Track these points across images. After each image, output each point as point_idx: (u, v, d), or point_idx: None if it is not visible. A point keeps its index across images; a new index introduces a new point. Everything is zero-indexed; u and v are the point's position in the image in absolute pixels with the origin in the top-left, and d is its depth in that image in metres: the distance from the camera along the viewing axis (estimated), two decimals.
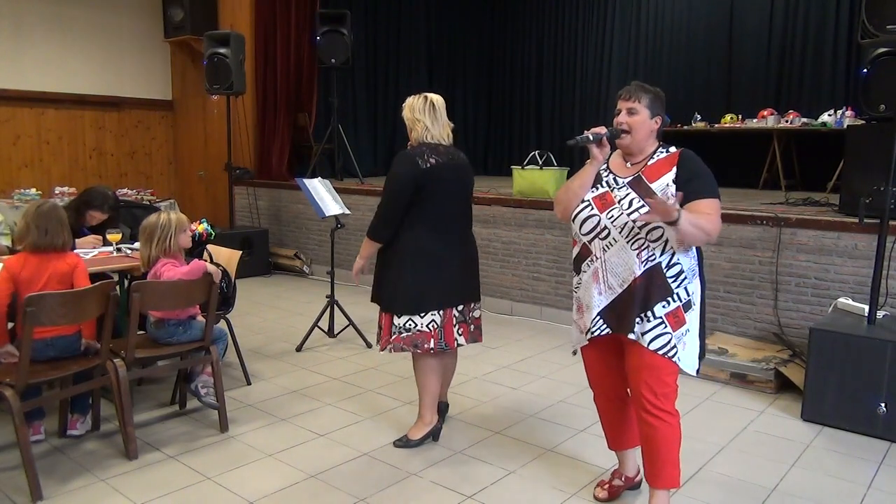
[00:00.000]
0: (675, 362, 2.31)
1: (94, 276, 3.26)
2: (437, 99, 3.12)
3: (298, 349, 4.55)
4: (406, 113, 3.10)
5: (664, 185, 2.30)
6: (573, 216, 2.44)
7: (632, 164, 2.42)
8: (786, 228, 4.17)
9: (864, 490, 2.81)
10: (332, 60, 6.82)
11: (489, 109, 10.15)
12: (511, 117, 9.93)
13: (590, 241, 2.39)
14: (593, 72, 8.99)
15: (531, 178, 5.53)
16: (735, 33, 7.65)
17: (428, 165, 2.94)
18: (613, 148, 2.47)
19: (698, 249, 2.40)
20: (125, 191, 6.96)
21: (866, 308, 3.54)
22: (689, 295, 2.34)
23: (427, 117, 3.07)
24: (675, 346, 2.31)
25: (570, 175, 5.90)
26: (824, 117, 6.32)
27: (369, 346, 4.64)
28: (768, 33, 7.39)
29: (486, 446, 3.17)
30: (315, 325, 4.70)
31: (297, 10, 7.44)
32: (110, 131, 7.78)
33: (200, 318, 3.29)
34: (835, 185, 5.57)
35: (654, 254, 2.30)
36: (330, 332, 4.84)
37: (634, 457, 2.70)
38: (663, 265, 2.31)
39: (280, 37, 7.50)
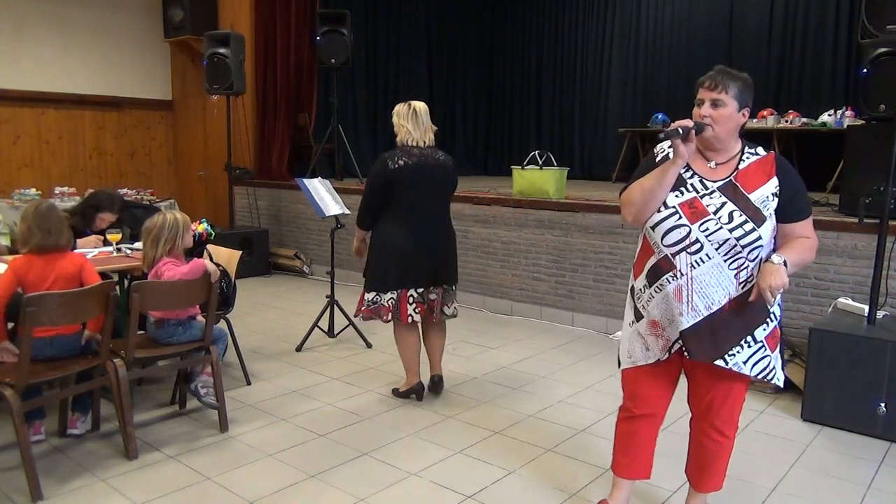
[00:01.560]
0: (774, 384, 2.20)
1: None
2: (419, 106, 3.53)
3: (298, 349, 4.55)
4: (394, 119, 3.54)
5: (764, 197, 2.05)
6: (653, 224, 2.12)
7: (718, 165, 2.13)
8: None
9: (864, 490, 2.81)
10: (332, 60, 6.82)
11: (489, 109, 10.16)
12: (511, 117, 9.94)
13: (674, 255, 2.09)
14: (593, 72, 8.99)
15: (531, 178, 5.53)
16: (735, 33, 7.66)
17: (396, 166, 3.42)
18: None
19: None
20: (125, 191, 6.96)
21: (866, 308, 3.54)
22: (780, 311, 2.19)
23: (409, 122, 3.49)
24: (774, 368, 2.16)
25: (571, 176, 5.96)
26: (824, 117, 6.33)
27: (369, 346, 4.64)
28: (768, 33, 7.40)
29: (486, 446, 3.17)
30: (315, 325, 4.70)
31: (297, 10, 7.44)
32: (110, 131, 7.78)
33: (200, 318, 3.29)
34: (835, 185, 5.58)
35: (752, 274, 2.07)
36: (330, 332, 4.84)
37: (632, 490, 2.51)
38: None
39: (280, 37, 7.50)
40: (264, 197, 7.50)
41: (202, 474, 2.84)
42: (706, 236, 2.04)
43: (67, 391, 3.05)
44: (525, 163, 5.65)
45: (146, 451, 3.02)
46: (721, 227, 2.03)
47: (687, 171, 2.13)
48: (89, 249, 3.77)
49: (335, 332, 4.84)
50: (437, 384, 3.74)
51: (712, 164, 2.13)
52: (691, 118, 2.09)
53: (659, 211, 2.10)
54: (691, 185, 2.11)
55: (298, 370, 4.17)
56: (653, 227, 2.13)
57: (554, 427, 3.39)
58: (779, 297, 2.09)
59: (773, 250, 2.10)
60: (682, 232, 2.07)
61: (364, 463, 2.98)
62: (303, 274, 7.07)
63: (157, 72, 8.13)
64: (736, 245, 2.02)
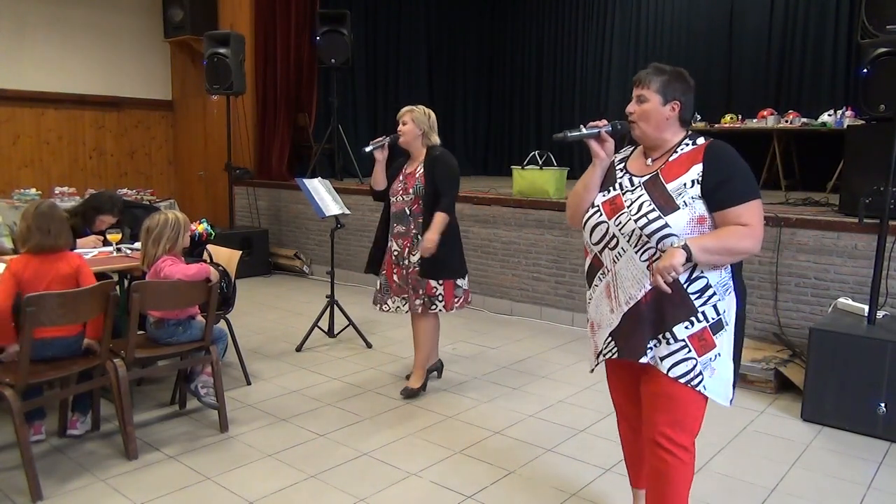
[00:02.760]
0: (699, 392, 1.98)
1: (94, 277, 3.27)
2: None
3: (298, 349, 4.55)
4: (422, 117, 3.66)
5: (681, 185, 1.97)
6: (583, 223, 2.15)
7: (653, 161, 2.09)
8: (786, 228, 4.17)
9: (864, 490, 2.81)
10: (332, 60, 6.82)
11: (489, 109, 10.15)
12: (511, 117, 9.94)
13: (600, 252, 2.09)
14: (593, 72, 8.99)
15: (531, 178, 5.53)
16: (735, 33, 7.65)
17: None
18: (620, 143, 2.21)
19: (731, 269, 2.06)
20: (125, 191, 6.95)
21: (866, 308, 3.54)
22: (718, 314, 2.00)
23: (434, 125, 3.72)
24: (700, 374, 1.98)
25: (571, 176, 5.95)
26: (824, 117, 6.32)
27: (369, 346, 4.64)
28: (768, 33, 7.39)
29: (485, 446, 3.17)
30: (315, 325, 4.70)
31: (297, 10, 7.44)
32: (110, 131, 7.78)
33: (200, 318, 3.29)
34: (835, 185, 5.58)
35: None
36: (330, 333, 4.84)
37: None
38: (682, 279, 1.96)
39: (280, 37, 7.50)
40: (264, 197, 7.50)
41: (202, 474, 2.84)
42: (619, 230, 2.02)
43: (67, 391, 3.05)
44: (525, 163, 5.65)
45: (146, 451, 3.02)
46: (630, 219, 1.99)
47: (622, 170, 2.13)
48: (89, 249, 3.77)
49: (335, 332, 4.84)
50: (441, 369, 4.03)
51: (649, 160, 2.10)
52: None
53: (587, 210, 2.13)
54: (619, 183, 2.10)
55: (298, 370, 4.17)
56: (583, 227, 2.15)
57: (554, 427, 3.39)
58: (722, 300, 1.99)
59: (733, 268, 2.05)
60: (603, 229, 2.07)
61: (364, 463, 2.98)
62: (303, 274, 7.07)
63: (157, 72, 8.13)
64: (641, 235, 1.96)
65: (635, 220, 1.98)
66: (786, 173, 6.48)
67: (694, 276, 1.97)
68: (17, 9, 6.89)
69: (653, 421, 2.05)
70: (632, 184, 2.07)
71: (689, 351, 1.98)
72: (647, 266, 1.97)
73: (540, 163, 5.53)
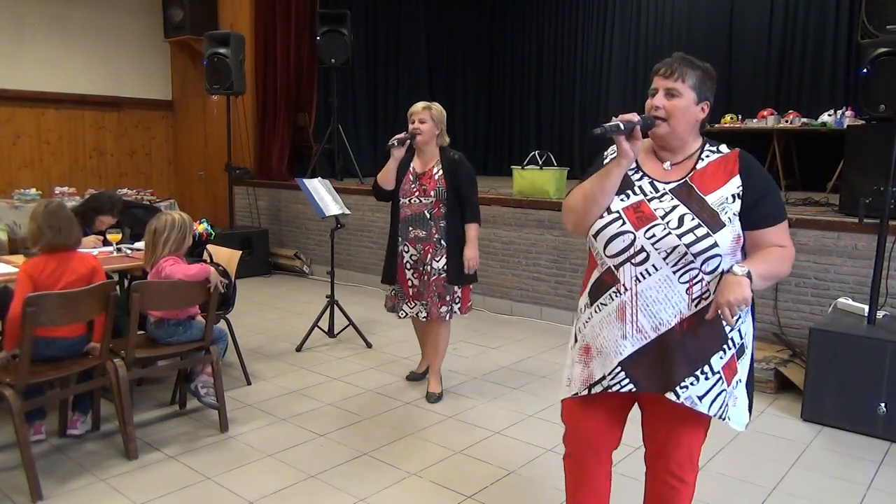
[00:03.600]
0: (721, 420, 1.82)
1: None
2: None
3: (298, 349, 4.55)
4: (440, 115, 3.58)
5: (723, 199, 1.76)
6: (595, 231, 1.83)
7: (672, 166, 1.85)
8: None
9: (864, 490, 2.81)
10: (332, 60, 6.82)
11: (489, 109, 10.15)
12: (511, 117, 9.93)
13: (617, 266, 1.80)
14: (593, 72, 8.99)
15: (531, 178, 5.53)
16: (735, 33, 7.65)
17: None
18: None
19: None
20: (125, 191, 6.95)
21: (866, 308, 3.54)
22: (742, 338, 1.83)
23: (445, 124, 3.62)
24: (726, 405, 1.81)
25: (571, 176, 5.97)
26: (824, 117, 6.32)
27: (369, 346, 4.64)
28: (768, 33, 7.39)
29: (485, 446, 3.17)
30: (315, 325, 4.70)
31: (297, 10, 7.44)
32: (110, 131, 7.78)
33: (200, 318, 3.29)
34: (835, 185, 5.58)
35: (708, 289, 1.75)
36: (330, 333, 4.84)
37: None
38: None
39: (280, 37, 7.50)
40: (264, 197, 7.50)
41: (202, 474, 2.84)
42: (652, 244, 1.74)
43: (67, 391, 3.05)
44: (525, 163, 5.65)
45: (146, 451, 3.02)
46: (669, 233, 1.73)
47: (636, 172, 1.86)
48: (89, 249, 3.77)
49: (335, 332, 4.84)
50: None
51: (667, 164, 1.85)
52: (642, 112, 1.84)
53: (601, 217, 1.82)
54: (639, 187, 1.83)
55: (298, 370, 4.17)
56: (595, 235, 1.84)
57: (554, 427, 3.39)
58: (745, 322, 1.83)
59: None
60: (626, 240, 1.77)
61: (364, 463, 2.98)
62: (303, 274, 7.07)
63: (157, 72, 8.13)
64: (686, 253, 1.71)
65: (679, 236, 1.72)
66: (786, 173, 6.48)
67: None
68: (17, 9, 6.89)
69: (667, 457, 1.91)
70: (655, 189, 1.82)
71: (722, 382, 1.79)
72: (687, 289, 1.74)
73: (540, 163, 5.53)
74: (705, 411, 1.78)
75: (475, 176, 3.60)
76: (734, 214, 1.76)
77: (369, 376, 4.08)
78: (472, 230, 3.52)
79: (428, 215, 3.52)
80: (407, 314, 3.68)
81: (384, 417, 3.48)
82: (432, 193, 3.49)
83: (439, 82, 9.46)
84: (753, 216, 1.77)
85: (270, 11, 7.46)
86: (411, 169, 3.58)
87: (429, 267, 3.54)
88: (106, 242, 3.93)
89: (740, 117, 6.93)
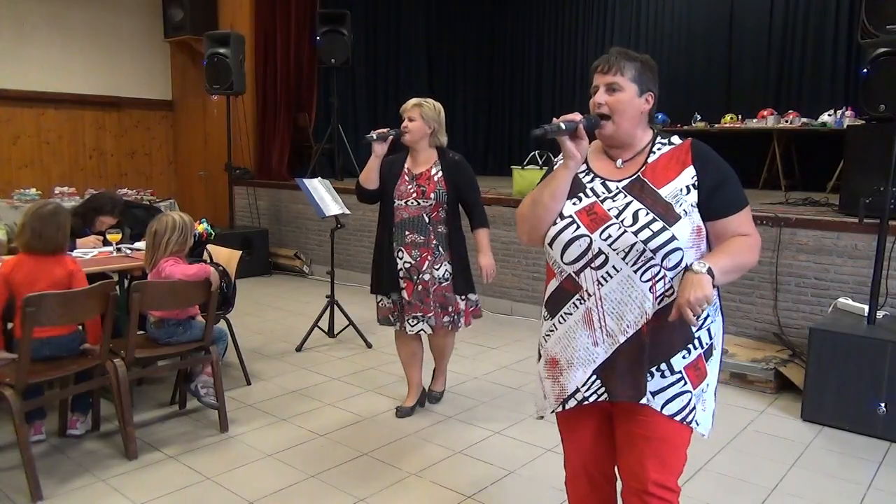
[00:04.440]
0: (690, 427, 1.75)
1: (94, 276, 3.27)
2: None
3: (298, 349, 4.55)
4: (432, 113, 3.31)
5: (677, 190, 1.70)
6: (549, 239, 1.78)
7: (624, 163, 1.79)
8: (786, 228, 4.17)
9: (864, 490, 2.81)
10: (332, 60, 6.82)
11: (489, 109, 10.16)
12: (511, 117, 9.94)
13: (577, 273, 1.74)
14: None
15: (531, 178, 5.53)
16: (735, 33, 7.66)
17: None
18: (591, 139, 1.85)
19: None
20: (125, 191, 6.95)
21: (866, 308, 3.54)
22: (710, 338, 1.76)
23: (444, 123, 3.39)
24: (693, 408, 1.73)
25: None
26: (824, 117, 6.33)
27: (369, 346, 4.64)
28: (768, 33, 7.40)
29: (485, 446, 3.17)
30: (315, 325, 4.70)
31: (297, 10, 7.44)
32: (110, 131, 7.78)
33: (200, 318, 3.29)
34: (835, 185, 5.57)
35: (671, 286, 1.69)
36: (330, 332, 4.84)
37: None
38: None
39: (280, 37, 7.50)
40: (264, 197, 7.50)
41: (202, 474, 2.84)
42: (609, 245, 1.68)
43: (67, 391, 3.05)
44: (525, 163, 5.65)
45: (146, 451, 3.02)
46: (625, 231, 1.67)
47: (587, 174, 1.81)
48: (89, 249, 3.77)
49: (335, 332, 4.84)
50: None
51: (619, 162, 1.79)
52: (585, 113, 1.79)
53: (554, 223, 1.77)
54: (591, 189, 1.77)
55: (298, 370, 4.17)
56: (550, 244, 1.77)
57: (554, 427, 3.36)
58: (714, 321, 1.76)
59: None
60: (583, 244, 1.71)
61: (364, 463, 2.98)
62: (303, 274, 7.07)
63: (157, 72, 8.13)
64: (645, 250, 1.65)
65: (635, 233, 1.66)
66: (786, 173, 6.49)
67: None
68: (17, 9, 6.89)
69: (639, 469, 1.75)
70: (608, 189, 1.76)
71: (685, 384, 1.72)
72: (650, 287, 1.68)
73: (540, 163, 5.54)
74: (656, 407, 1.71)
75: (476, 178, 3.45)
76: (691, 206, 1.70)
77: (369, 376, 4.07)
78: (483, 237, 3.37)
79: (427, 219, 3.27)
80: (408, 330, 3.32)
81: (384, 417, 3.48)
82: (432, 196, 3.26)
83: (439, 82, 9.46)
84: (712, 205, 1.71)
85: (270, 11, 7.46)
86: (406, 169, 3.34)
87: (426, 276, 3.25)
88: (106, 242, 3.92)
89: (740, 117, 6.93)
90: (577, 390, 1.78)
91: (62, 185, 6.72)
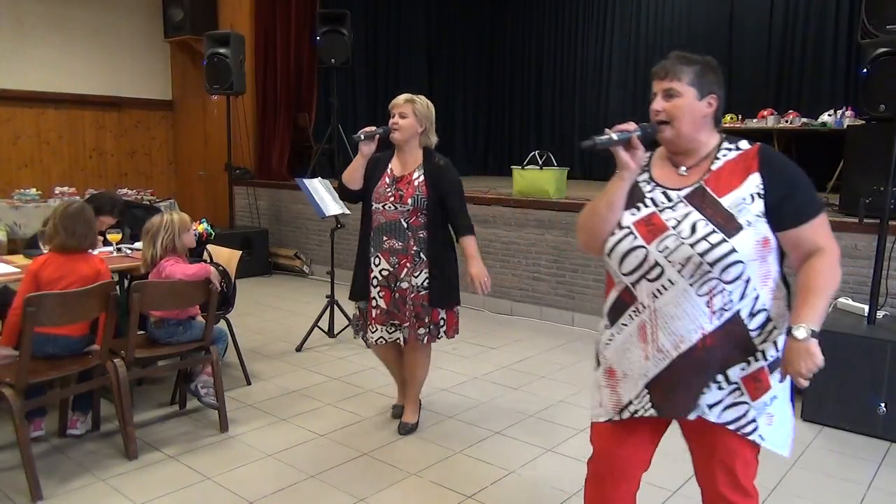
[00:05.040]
0: (752, 441, 1.69)
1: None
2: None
3: (298, 349, 4.55)
4: (425, 111, 3.11)
5: (740, 199, 1.63)
6: (608, 249, 1.75)
7: (687, 170, 1.73)
8: None
9: (864, 490, 2.81)
10: (332, 60, 6.81)
11: (489, 109, 10.16)
12: (511, 117, 9.95)
13: (634, 284, 1.71)
14: (593, 72, 9.00)
15: (531, 178, 5.53)
16: (735, 33, 7.66)
17: None
18: (651, 147, 1.81)
19: (788, 288, 1.74)
20: (125, 191, 6.95)
21: (866, 308, 3.54)
22: (777, 351, 1.69)
23: (434, 122, 3.17)
24: (753, 421, 1.68)
25: (571, 176, 5.96)
26: (824, 117, 6.33)
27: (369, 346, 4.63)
28: (768, 33, 7.40)
29: (485, 446, 3.17)
30: (315, 325, 4.70)
31: (297, 10, 7.44)
32: (110, 131, 7.78)
33: (200, 319, 3.29)
34: (835, 185, 5.57)
35: (731, 300, 1.63)
36: (330, 332, 4.84)
37: None
38: (744, 315, 1.64)
39: (280, 37, 7.50)
40: (264, 197, 7.50)
41: (202, 474, 2.84)
42: (665, 257, 1.64)
43: (68, 391, 3.05)
44: (525, 163, 5.65)
45: (146, 451, 3.02)
46: (682, 243, 1.62)
47: (648, 183, 1.76)
48: None
49: (335, 332, 4.84)
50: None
51: (682, 169, 1.74)
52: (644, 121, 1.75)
53: (613, 233, 1.74)
54: (651, 198, 1.72)
55: (298, 370, 4.17)
56: (609, 253, 1.75)
57: (554, 427, 3.39)
58: (782, 333, 1.70)
59: (781, 271, 1.72)
60: (639, 255, 1.67)
61: (364, 463, 2.98)
62: (303, 274, 7.07)
63: (157, 72, 8.13)
64: (702, 263, 1.59)
65: (692, 245, 1.61)
66: None
67: (756, 309, 1.65)
68: (17, 9, 6.89)
69: (712, 481, 1.77)
70: (668, 199, 1.70)
71: (742, 394, 1.68)
72: (707, 302, 1.62)
73: (540, 163, 5.54)
74: (713, 419, 1.68)
75: (461, 184, 3.18)
76: (756, 216, 1.61)
77: (369, 376, 4.07)
78: (471, 245, 3.12)
79: (405, 224, 3.05)
80: (372, 342, 3.15)
81: (384, 417, 3.48)
82: (409, 201, 3.03)
83: (439, 82, 9.47)
84: (782, 215, 1.62)
85: (270, 11, 7.46)
86: (389, 170, 3.12)
87: (404, 284, 3.06)
88: (106, 242, 3.93)
89: (740, 117, 6.93)
90: (631, 402, 1.77)
91: (62, 185, 6.72)
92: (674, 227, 1.65)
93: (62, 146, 7.39)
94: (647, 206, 1.72)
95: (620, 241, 1.72)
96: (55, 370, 2.80)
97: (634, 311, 1.72)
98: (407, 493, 2.74)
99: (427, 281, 3.07)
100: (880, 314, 3.57)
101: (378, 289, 3.10)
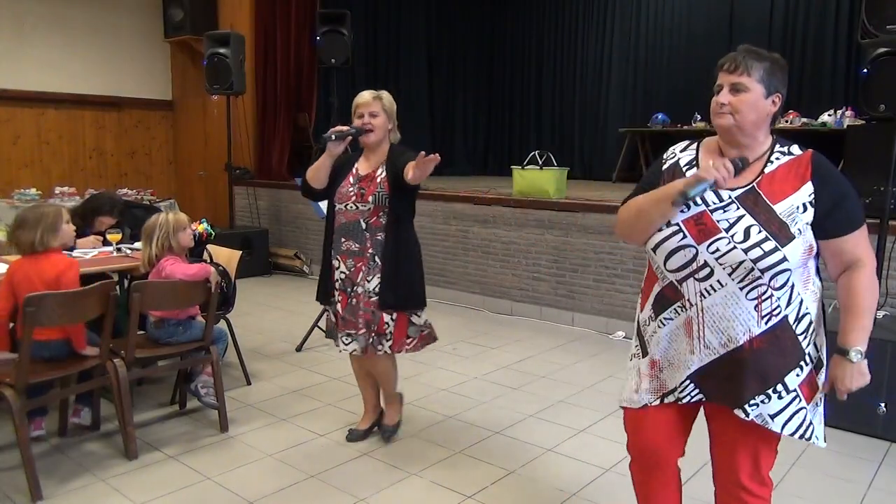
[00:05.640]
0: (812, 442, 1.79)
1: (95, 276, 3.27)
2: None
3: (298, 349, 4.55)
4: (392, 106, 2.97)
5: (793, 208, 1.63)
6: (654, 245, 1.74)
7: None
8: None
9: (864, 490, 2.81)
10: (332, 60, 6.81)
11: (489, 109, 10.16)
12: (511, 117, 9.95)
13: (680, 281, 1.71)
14: (593, 72, 9.00)
15: (531, 178, 5.53)
16: (735, 33, 7.66)
17: None
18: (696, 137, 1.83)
19: (820, 278, 1.78)
20: (125, 191, 6.97)
21: None
22: (818, 351, 1.77)
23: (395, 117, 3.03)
24: (811, 423, 1.77)
25: (571, 176, 5.95)
26: (824, 117, 6.33)
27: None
28: (768, 33, 7.40)
29: (485, 446, 3.17)
30: (315, 325, 4.70)
31: (297, 9, 7.44)
32: (110, 131, 7.78)
33: (200, 319, 3.29)
34: None
35: (778, 306, 1.66)
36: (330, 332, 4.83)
37: None
38: (791, 319, 1.68)
39: (280, 37, 7.50)
40: (264, 197, 7.50)
41: (202, 474, 2.84)
42: (716, 259, 1.64)
43: (67, 391, 3.06)
44: (525, 163, 5.65)
45: (146, 451, 3.02)
46: (734, 248, 1.62)
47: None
48: (88, 249, 3.77)
49: None
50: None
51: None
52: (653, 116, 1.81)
53: (660, 230, 1.72)
54: (701, 197, 1.69)
55: (298, 370, 4.17)
56: (654, 249, 1.74)
57: (554, 427, 3.39)
58: (819, 333, 1.79)
59: (817, 270, 1.75)
60: (688, 254, 1.67)
61: (364, 463, 2.98)
62: (303, 274, 7.07)
63: (157, 72, 8.13)
64: (753, 269, 1.61)
65: (745, 251, 1.61)
66: None
67: (801, 313, 1.69)
68: (17, 9, 6.89)
69: (733, 467, 1.83)
70: (719, 198, 1.68)
71: (800, 399, 1.73)
72: (756, 306, 1.65)
73: (540, 163, 5.54)
74: (778, 430, 1.72)
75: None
76: (805, 224, 1.63)
77: None
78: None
79: (364, 225, 2.89)
80: (343, 348, 3.00)
81: None
82: (370, 199, 2.87)
83: (439, 82, 9.48)
84: (827, 225, 1.65)
85: (270, 11, 7.47)
86: (354, 170, 2.97)
87: (359, 289, 2.90)
88: (106, 242, 3.93)
89: None
90: (676, 388, 1.80)
91: (62, 185, 6.73)
92: (726, 230, 1.64)
93: (62, 146, 7.39)
94: (696, 204, 1.69)
95: (668, 238, 1.71)
96: (56, 370, 2.80)
97: (681, 307, 1.73)
98: (407, 493, 2.74)
99: (378, 286, 2.89)
100: (880, 314, 3.57)
101: (337, 293, 2.98)
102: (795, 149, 1.72)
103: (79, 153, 7.54)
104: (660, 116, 7.68)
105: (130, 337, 2.96)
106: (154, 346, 3.19)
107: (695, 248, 1.67)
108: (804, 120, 6.51)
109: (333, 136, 2.85)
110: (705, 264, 1.66)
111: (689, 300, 1.71)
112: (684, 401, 1.80)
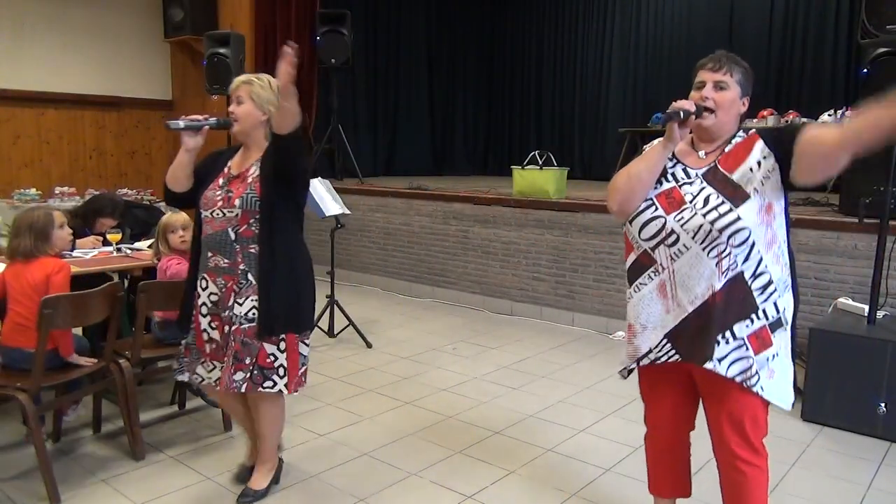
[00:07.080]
0: (757, 393, 1.91)
1: (95, 277, 3.27)
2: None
3: None
4: (267, 93, 2.48)
5: (747, 169, 1.89)
6: (631, 218, 1.99)
7: (707, 154, 1.98)
8: None
9: (864, 490, 2.81)
10: (332, 60, 6.82)
11: (489, 109, 10.16)
12: (511, 117, 9.94)
13: (653, 249, 1.96)
14: (593, 72, 9.00)
15: (531, 178, 5.53)
16: (735, 33, 7.66)
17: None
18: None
19: (791, 257, 1.98)
20: (125, 191, 6.95)
21: (866, 308, 3.54)
22: (778, 312, 1.93)
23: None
24: (756, 374, 1.90)
25: (571, 176, 5.96)
26: (824, 117, 6.30)
27: (369, 346, 4.64)
28: (768, 33, 7.40)
29: (486, 446, 3.17)
30: (315, 324, 4.69)
31: (297, 10, 7.44)
32: (110, 131, 7.78)
33: None
34: (835, 184, 5.57)
35: (735, 262, 1.88)
36: (330, 332, 4.84)
37: None
38: (747, 275, 1.88)
39: (280, 37, 7.49)
40: None
41: (202, 474, 2.84)
42: (681, 225, 1.89)
43: (76, 394, 3.08)
44: (525, 163, 5.65)
45: (147, 452, 3.02)
46: (696, 214, 1.88)
47: (670, 160, 2.01)
48: (88, 250, 3.77)
49: (335, 332, 4.84)
50: (280, 470, 2.76)
51: (701, 153, 1.99)
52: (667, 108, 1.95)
53: (639, 205, 1.98)
54: (672, 174, 1.98)
55: None
56: (630, 221, 1.99)
57: (554, 427, 3.40)
58: (782, 296, 1.92)
59: (788, 242, 1.98)
60: (658, 224, 1.93)
61: (364, 463, 2.98)
62: None
63: (157, 72, 8.13)
64: (711, 230, 1.84)
65: (703, 215, 1.86)
66: None
67: (759, 270, 1.88)
68: (16, 9, 6.88)
69: (725, 439, 1.99)
70: (687, 175, 1.96)
71: (746, 349, 1.89)
72: (717, 263, 1.86)
73: (540, 163, 5.54)
74: (722, 372, 1.88)
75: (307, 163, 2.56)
76: (760, 182, 1.87)
77: (369, 376, 4.08)
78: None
79: (232, 235, 2.40)
80: (203, 380, 2.51)
81: (384, 417, 3.48)
82: (237, 203, 2.38)
83: (439, 83, 9.47)
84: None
85: (270, 11, 7.46)
86: (226, 169, 2.51)
87: (229, 313, 2.41)
88: (106, 242, 3.93)
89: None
90: (650, 350, 2.01)
91: (62, 185, 6.72)
92: (690, 201, 1.91)
93: (62, 146, 7.39)
94: (668, 180, 1.98)
95: (642, 211, 1.96)
96: (64, 374, 2.79)
97: (654, 272, 1.98)
98: (407, 493, 2.74)
99: (253, 310, 2.38)
100: (880, 314, 3.57)
101: (209, 318, 2.47)
102: (752, 131, 1.99)
103: (79, 153, 7.53)
104: (660, 116, 7.68)
105: (136, 338, 2.96)
106: (158, 346, 3.19)
107: (664, 218, 1.93)
108: (804, 120, 6.50)
109: (182, 125, 2.39)
110: (672, 231, 1.91)
111: (661, 264, 1.96)
112: (661, 360, 1.99)
